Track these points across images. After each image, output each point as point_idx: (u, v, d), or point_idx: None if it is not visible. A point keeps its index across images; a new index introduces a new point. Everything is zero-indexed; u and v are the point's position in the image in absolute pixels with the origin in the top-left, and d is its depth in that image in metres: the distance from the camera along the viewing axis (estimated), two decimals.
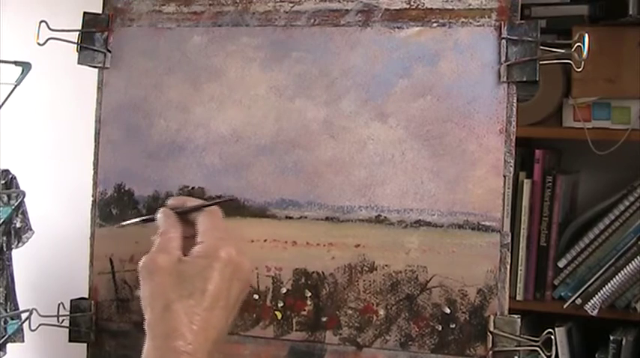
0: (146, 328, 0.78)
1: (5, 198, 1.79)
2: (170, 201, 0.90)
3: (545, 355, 0.87)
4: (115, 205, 0.99)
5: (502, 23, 0.90)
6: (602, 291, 1.87)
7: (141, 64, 1.00)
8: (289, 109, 0.95)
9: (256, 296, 0.95)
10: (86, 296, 1.00)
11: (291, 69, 0.96)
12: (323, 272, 0.93)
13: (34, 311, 0.97)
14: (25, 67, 1.67)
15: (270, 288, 0.95)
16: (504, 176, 0.90)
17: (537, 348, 0.87)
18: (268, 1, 0.97)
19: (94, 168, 1.00)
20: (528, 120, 1.92)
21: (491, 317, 0.89)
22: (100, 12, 1.02)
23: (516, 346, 0.89)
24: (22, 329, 1.80)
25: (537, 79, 0.89)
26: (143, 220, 0.92)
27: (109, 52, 1.01)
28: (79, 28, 1.01)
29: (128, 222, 0.94)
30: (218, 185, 0.96)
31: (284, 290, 0.94)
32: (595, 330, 1.96)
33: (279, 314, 0.94)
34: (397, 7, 0.94)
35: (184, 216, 0.87)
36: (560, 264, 1.94)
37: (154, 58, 0.99)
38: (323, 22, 0.95)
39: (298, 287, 0.94)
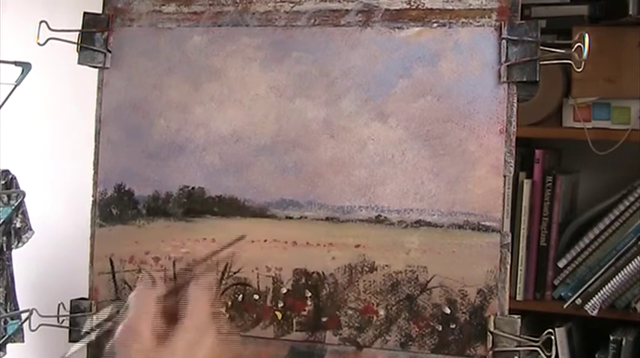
0: None
1: (5, 198, 1.78)
2: None
3: (545, 355, 0.87)
4: (115, 205, 0.99)
5: (502, 23, 0.90)
6: (602, 291, 1.87)
7: (141, 64, 1.00)
8: (289, 109, 0.95)
9: (256, 297, 0.95)
10: (86, 296, 1.00)
11: (292, 69, 0.95)
12: (323, 273, 0.93)
13: (34, 311, 0.97)
14: (25, 67, 1.67)
15: (270, 288, 0.95)
16: (504, 176, 0.89)
17: (537, 348, 0.87)
18: (268, 2, 0.97)
19: (94, 168, 1.00)
20: (528, 120, 1.91)
21: (492, 317, 0.89)
22: (100, 12, 1.02)
23: (516, 346, 0.89)
24: (22, 329, 1.79)
25: (537, 79, 0.89)
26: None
27: (109, 52, 1.00)
28: (79, 28, 1.01)
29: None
30: (218, 185, 0.96)
31: (284, 291, 0.94)
32: (595, 330, 1.96)
33: (279, 315, 0.94)
34: (397, 8, 0.93)
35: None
36: (560, 264, 1.94)
37: (154, 58, 0.99)
38: (323, 22, 0.95)
39: (298, 288, 0.94)
